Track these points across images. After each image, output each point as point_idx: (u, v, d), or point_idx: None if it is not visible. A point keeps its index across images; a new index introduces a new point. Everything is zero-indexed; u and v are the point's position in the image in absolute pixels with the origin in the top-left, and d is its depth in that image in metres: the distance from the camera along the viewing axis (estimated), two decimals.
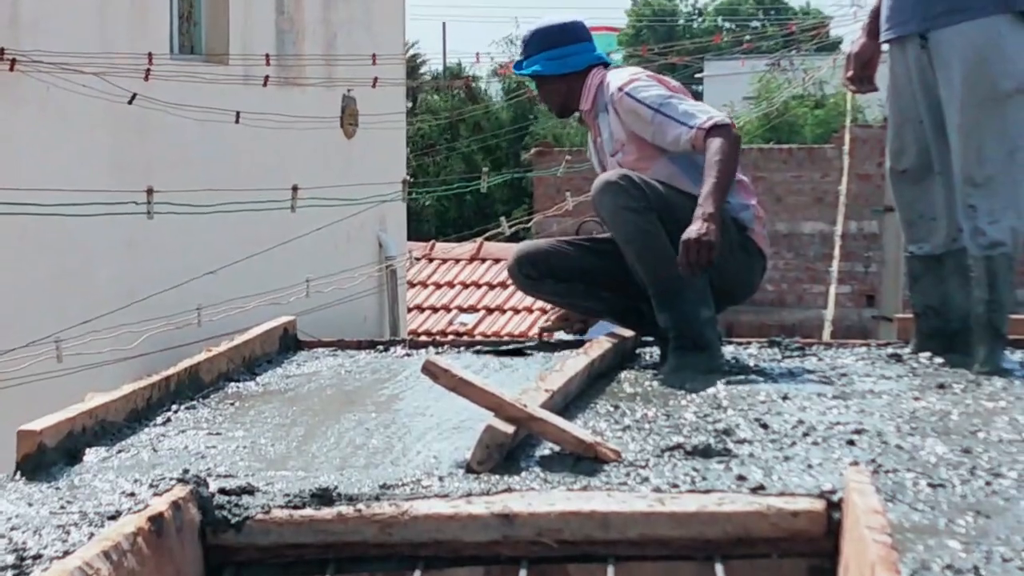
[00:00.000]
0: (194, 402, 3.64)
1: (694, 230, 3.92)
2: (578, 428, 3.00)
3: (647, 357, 4.34)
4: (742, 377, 3.86)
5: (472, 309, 15.74)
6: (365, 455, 3.01)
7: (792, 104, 25.81)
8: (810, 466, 2.82)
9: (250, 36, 11.73)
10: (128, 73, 9.86)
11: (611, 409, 3.43)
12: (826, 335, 13.16)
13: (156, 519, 2.23)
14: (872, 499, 2.21)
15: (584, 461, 2.82)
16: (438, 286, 16.44)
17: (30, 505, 2.61)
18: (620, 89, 4.32)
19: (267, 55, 11.63)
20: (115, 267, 10.19)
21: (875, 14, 4.35)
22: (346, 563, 2.38)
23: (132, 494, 2.66)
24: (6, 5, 9.39)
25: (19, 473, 2.82)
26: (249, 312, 9.35)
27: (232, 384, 3.94)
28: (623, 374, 3.98)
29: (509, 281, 5.09)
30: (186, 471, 2.77)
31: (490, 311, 15.57)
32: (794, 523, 2.33)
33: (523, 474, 2.76)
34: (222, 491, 2.49)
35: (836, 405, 3.50)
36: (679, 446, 2.94)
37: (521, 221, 15.35)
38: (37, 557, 2.25)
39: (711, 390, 3.68)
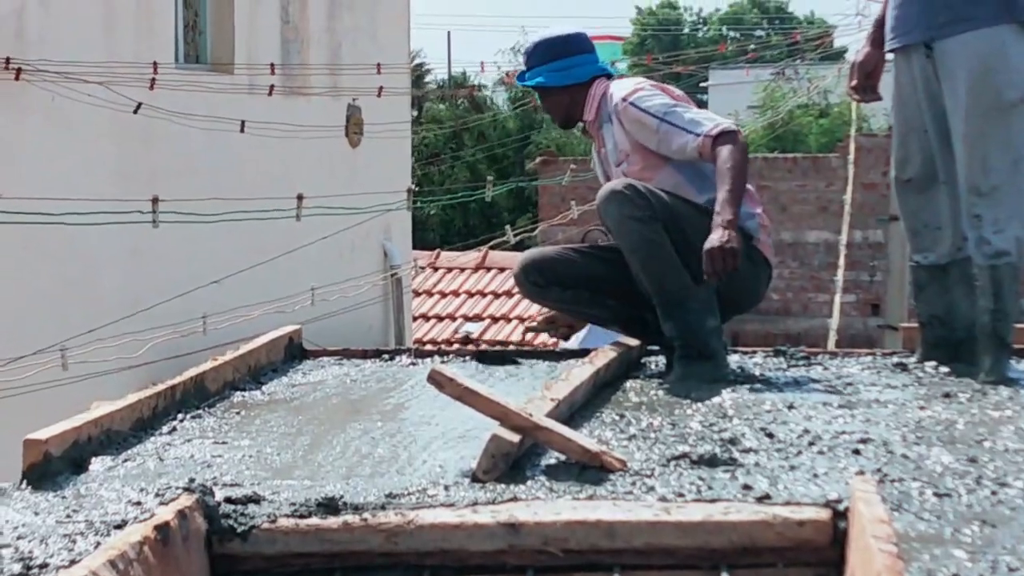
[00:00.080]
0: (200, 411, 3.64)
1: (716, 238, 3.92)
2: (584, 437, 3.00)
3: (652, 366, 4.34)
4: (748, 386, 3.86)
5: (477, 318, 15.71)
6: (371, 464, 3.01)
7: (797, 113, 25.78)
8: (816, 475, 2.81)
9: (255, 45, 11.74)
10: (133, 82, 9.87)
11: (617, 418, 3.42)
12: (831, 344, 13.15)
13: (162, 528, 2.23)
14: (878, 508, 2.22)
15: (590, 470, 2.83)
16: (443, 295, 16.42)
17: (36, 514, 2.61)
18: (624, 99, 4.32)
19: (272, 64, 11.64)
20: (120, 276, 10.20)
21: (879, 23, 4.36)
22: (352, 572, 2.39)
23: (138, 503, 2.66)
24: (12, 15, 9.41)
25: (25, 482, 2.82)
26: (254, 321, 9.33)
27: (238, 393, 3.94)
28: (628, 383, 3.98)
29: (514, 290, 5.09)
30: (192, 480, 2.77)
31: (495, 320, 15.55)
32: (800, 532, 2.34)
33: (529, 483, 2.76)
34: (228, 500, 2.49)
35: (842, 414, 3.49)
36: (685, 455, 2.94)
37: (526, 230, 15.34)
38: (43, 566, 2.26)
39: (716, 399, 3.68)
